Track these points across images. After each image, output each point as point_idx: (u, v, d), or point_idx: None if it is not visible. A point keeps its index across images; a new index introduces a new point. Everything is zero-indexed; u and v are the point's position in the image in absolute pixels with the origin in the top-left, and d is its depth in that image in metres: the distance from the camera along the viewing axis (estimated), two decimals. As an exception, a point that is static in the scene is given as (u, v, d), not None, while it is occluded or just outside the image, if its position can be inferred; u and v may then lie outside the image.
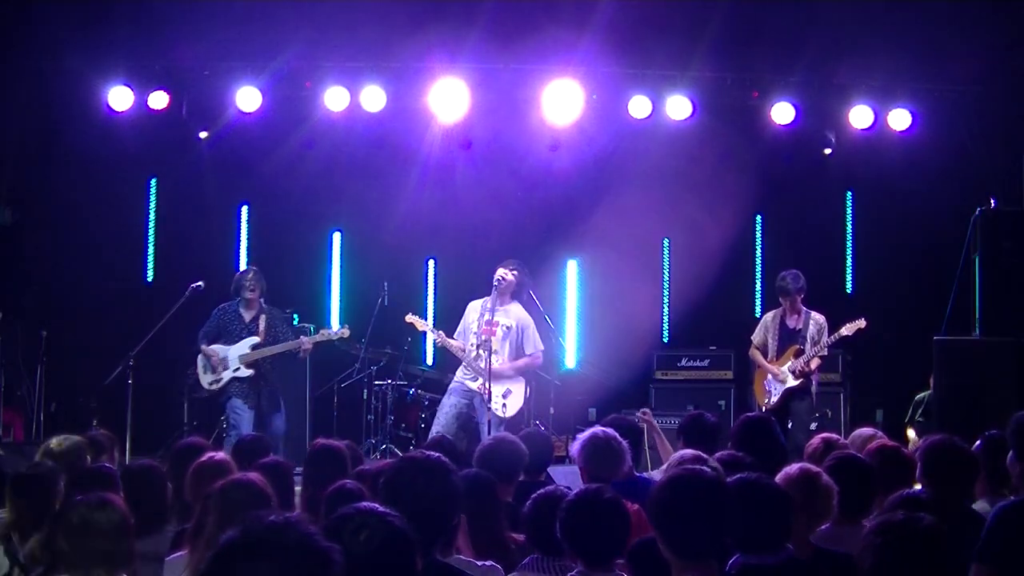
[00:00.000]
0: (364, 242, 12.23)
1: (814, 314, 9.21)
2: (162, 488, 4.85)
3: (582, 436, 5.30)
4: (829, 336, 9.09)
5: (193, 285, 9.55)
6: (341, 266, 12.47)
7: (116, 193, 11.57)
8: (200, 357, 9.26)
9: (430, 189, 11.69)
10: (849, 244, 12.29)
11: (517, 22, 10.45)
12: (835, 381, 10.63)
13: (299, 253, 12.12)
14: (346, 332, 9.48)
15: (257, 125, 11.16)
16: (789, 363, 9.14)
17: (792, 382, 9.11)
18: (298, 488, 5.41)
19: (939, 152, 11.00)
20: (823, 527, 4.25)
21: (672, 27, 10.56)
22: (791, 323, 9.27)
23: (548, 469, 6.23)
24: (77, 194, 11.25)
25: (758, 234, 12.42)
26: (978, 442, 5.14)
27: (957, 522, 4.10)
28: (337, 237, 12.49)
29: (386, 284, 11.01)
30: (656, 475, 5.43)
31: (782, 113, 10.95)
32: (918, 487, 4.74)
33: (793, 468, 4.23)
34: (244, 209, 12.35)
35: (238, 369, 9.09)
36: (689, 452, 4.85)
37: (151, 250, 12.11)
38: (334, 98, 10.83)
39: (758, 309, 12.21)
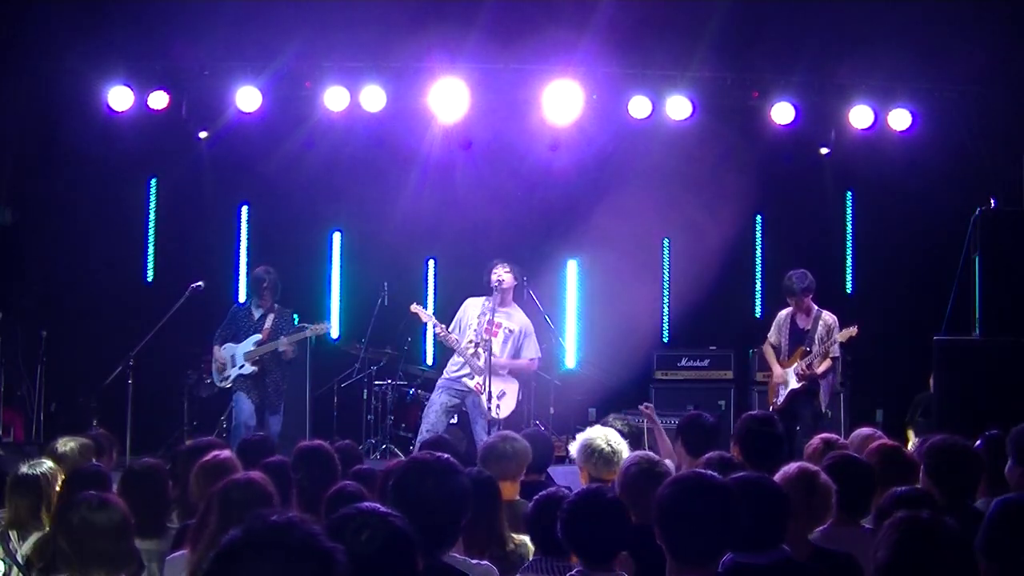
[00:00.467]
0: (364, 242, 12.22)
1: (824, 314, 9.14)
2: (164, 488, 4.85)
3: (582, 436, 5.31)
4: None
5: (193, 285, 9.56)
6: (341, 266, 12.47)
7: (116, 193, 11.58)
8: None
9: (430, 189, 11.69)
10: (849, 244, 12.30)
11: (517, 22, 10.45)
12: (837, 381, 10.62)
13: (299, 253, 12.11)
14: (324, 327, 9.48)
15: (257, 125, 11.16)
16: (794, 365, 9.11)
17: (795, 384, 9.07)
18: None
19: (939, 152, 11.00)
20: (822, 527, 4.25)
21: (672, 27, 10.56)
22: (800, 323, 9.21)
23: (548, 469, 6.24)
24: (77, 194, 11.26)
25: (758, 234, 12.42)
26: (978, 442, 5.14)
27: (962, 521, 4.09)
28: (337, 237, 12.49)
29: (386, 284, 11.01)
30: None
31: (782, 113, 10.95)
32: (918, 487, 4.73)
33: (792, 468, 4.23)
34: (244, 209, 12.35)
35: (243, 366, 9.22)
36: (640, 453, 4.85)
37: (151, 250, 12.11)
38: (334, 98, 10.83)
39: (758, 309, 12.23)
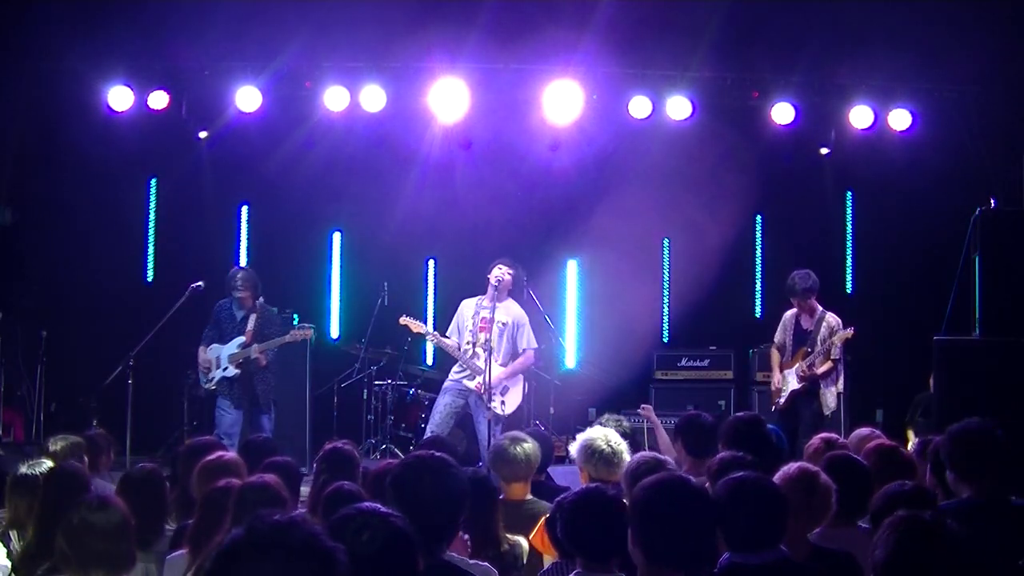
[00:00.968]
0: (364, 242, 12.23)
1: (828, 315, 9.13)
2: (161, 493, 4.85)
3: (582, 436, 5.31)
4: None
5: (193, 285, 9.55)
6: (341, 266, 12.47)
7: (116, 193, 11.58)
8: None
9: (430, 189, 11.69)
10: (849, 244, 12.30)
11: (517, 22, 10.45)
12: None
13: (299, 253, 12.12)
14: (306, 333, 9.26)
15: (257, 125, 11.17)
16: (796, 365, 9.12)
17: (795, 385, 9.07)
18: (304, 488, 5.42)
19: (939, 152, 11.00)
20: (819, 527, 4.25)
21: (672, 27, 10.56)
22: (804, 324, 9.21)
23: (548, 469, 6.24)
24: (77, 194, 11.25)
25: (758, 234, 12.42)
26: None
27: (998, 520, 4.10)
28: (337, 237, 12.49)
29: (386, 284, 11.02)
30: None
31: (782, 113, 10.95)
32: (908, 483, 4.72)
33: (792, 467, 4.23)
34: (244, 209, 12.35)
35: (226, 368, 9.05)
36: (646, 453, 4.81)
37: (151, 250, 12.12)
38: (334, 98, 10.83)
39: (758, 309, 12.23)
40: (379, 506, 2.97)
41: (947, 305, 7.84)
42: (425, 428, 9.76)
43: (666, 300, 12.52)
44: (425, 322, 9.80)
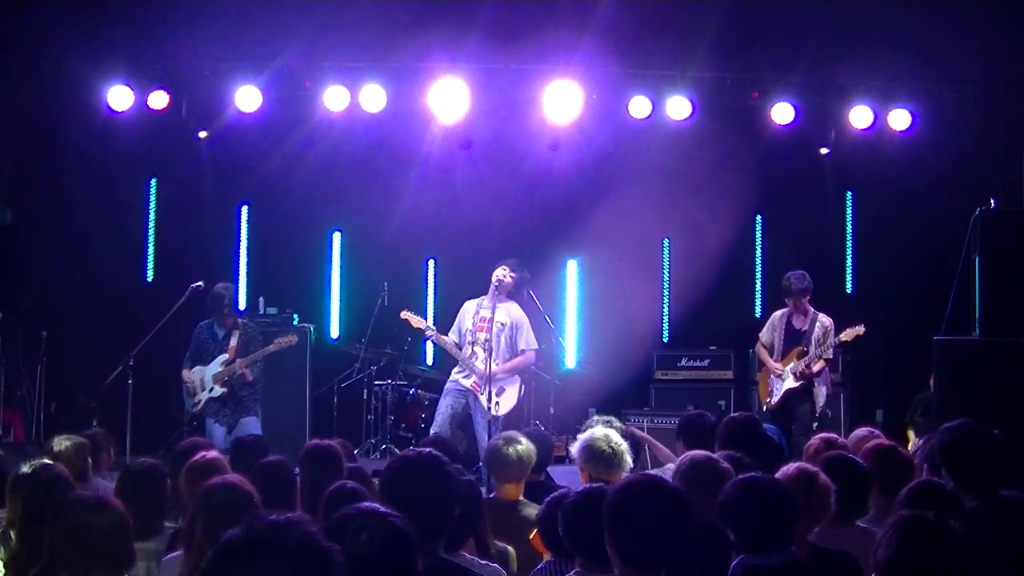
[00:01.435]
0: (364, 242, 12.22)
1: (821, 316, 9.18)
2: (163, 488, 4.85)
3: (582, 436, 5.30)
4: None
5: (193, 285, 9.54)
6: (341, 266, 12.47)
7: (116, 193, 11.57)
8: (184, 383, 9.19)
9: (430, 189, 11.69)
10: (849, 244, 12.29)
11: (517, 22, 10.45)
12: (835, 381, 10.59)
13: (299, 253, 12.12)
14: (293, 340, 9.16)
15: (257, 125, 11.17)
16: (792, 364, 9.13)
17: (792, 383, 9.10)
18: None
19: (939, 152, 11.00)
20: (817, 528, 4.25)
21: (672, 27, 10.56)
22: (797, 324, 9.26)
23: (548, 469, 6.24)
24: (77, 194, 11.26)
25: (758, 234, 12.42)
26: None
27: (988, 512, 4.09)
28: (337, 237, 12.49)
29: (386, 284, 11.02)
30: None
31: (782, 113, 10.95)
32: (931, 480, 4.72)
33: (791, 468, 4.23)
34: (244, 209, 12.35)
35: (212, 389, 8.99)
36: (700, 453, 4.69)
37: (151, 250, 12.11)
38: (334, 98, 10.83)
39: (758, 309, 12.22)
40: (378, 506, 2.97)
41: (947, 305, 7.84)
42: (425, 428, 9.78)
43: (666, 300, 12.51)
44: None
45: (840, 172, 11.84)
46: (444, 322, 9.61)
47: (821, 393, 9.20)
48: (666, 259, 12.55)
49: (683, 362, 11.60)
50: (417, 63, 10.82)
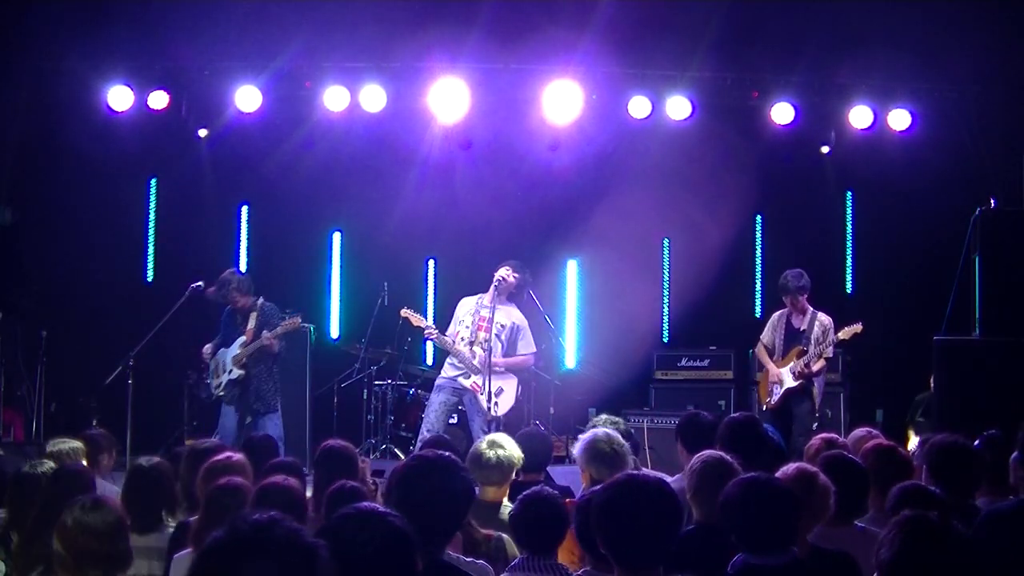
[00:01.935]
0: (364, 242, 12.22)
1: (820, 315, 9.18)
2: (169, 486, 4.86)
3: (584, 437, 5.28)
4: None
5: (193, 285, 9.54)
6: (341, 266, 12.47)
7: (116, 193, 11.58)
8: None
9: (430, 189, 11.69)
10: (849, 244, 12.29)
11: (517, 22, 10.45)
12: (835, 381, 10.62)
13: (299, 253, 12.12)
14: (297, 321, 9.18)
15: (257, 125, 11.17)
16: (791, 364, 9.13)
17: (791, 383, 9.09)
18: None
19: (939, 152, 11.00)
20: (816, 528, 4.25)
21: (672, 27, 10.56)
22: (796, 323, 9.25)
23: (547, 469, 6.23)
24: (77, 194, 11.25)
25: (758, 234, 12.42)
26: (977, 442, 5.14)
27: (963, 519, 4.10)
28: (337, 237, 12.50)
29: (386, 284, 11.01)
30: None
31: (782, 113, 10.95)
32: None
33: (791, 468, 4.23)
34: (244, 209, 12.36)
35: (231, 371, 9.06)
36: (715, 453, 4.65)
37: (151, 250, 12.12)
38: (334, 98, 10.83)
39: (758, 309, 12.23)
40: (378, 506, 2.97)
41: (947, 305, 7.85)
42: (425, 428, 9.76)
43: (666, 300, 12.51)
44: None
45: (840, 172, 11.84)
46: (444, 322, 9.61)
47: (819, 392, 9.20)
48: (666, 259, 12.55)
49: (683, 362, 11.59)
50: (417, 63, 10.82)
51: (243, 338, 9.07)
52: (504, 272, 9.09)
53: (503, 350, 9.10)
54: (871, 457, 4.86)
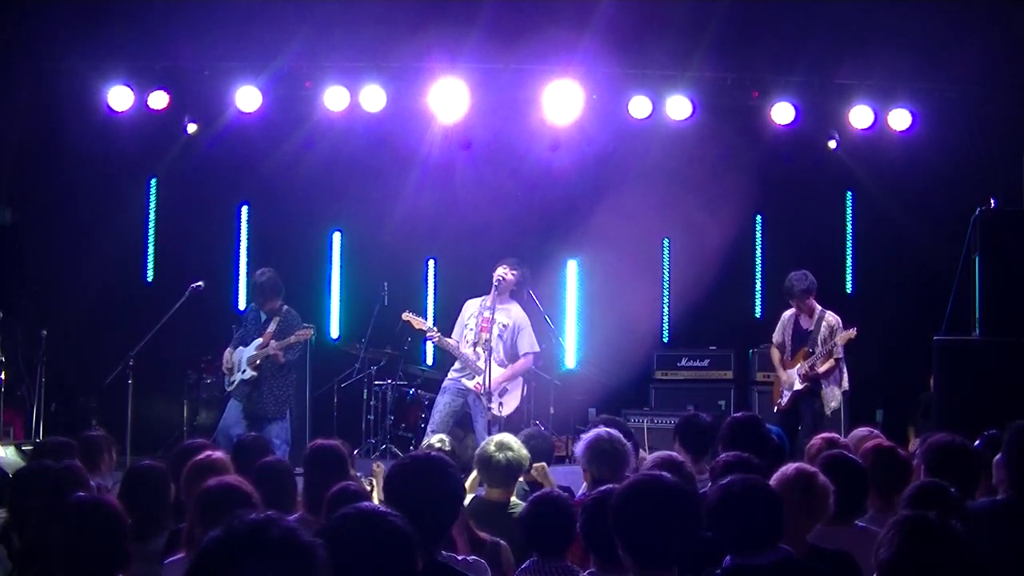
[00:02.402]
0: (364, 242, 12.22)
1: (828, 315, 9.15)
2: (164, 489, 4.85)
3: (586, 437, 5.28)
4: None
5: (193, 285, 9.55)
6: (341, 266, 12.47)
7: (116, 193, 11.58)
8: None
9: (430, 189, 11.69)
10: (849, 244, 12.29)
11: (517, 22, 10.45)
12: (835, 381, 10.60)
13: (299, 253, 12.11)
14: (309, 331, 9.15)
15: (257, 125, 11.16)
16: (798, 365, 9.13)
17: (798, 385, 9.09)
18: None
19: (939, 152, 11.00)
20: (816, 527, 4.25)
21: (672, 27, 10.55)
22: (804, 324, 9.24)
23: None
24: (77, 194, 11.26)
25: (758, 234, 12.42)
26: (977, 442, 5.14)
27: (962, 519, 4.10)
28: (337, 237, 12.49)
29: (386, 284, 11.02)
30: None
31: (782, 113, 10.95)
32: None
33: (790, 468, 4.23)
34: (244, 209, 12.35)
35: (244, 371, 9.10)
36: (664, 453, 4.82)
37: (151, 250, 12.11)
38: (334, 98, 10.83)
39: (758, 309, 12.24)
40: (378, 506, 2.97)
41: (947, 305, 7.85)
42: (425, 428, 9.77)
43: (666, 300, 12.51)
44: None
45: (840, 172, 11.84)
46: (444, 322, 9.61)
47: (834, 395, 9.12)
48: (666, 259, 12.55)
49: (683, 362, 11.60)
50: (417, 63, 10.82)
51: (260, 340, 9.12)
52: (502, 271, 9.09)
53: (504, 350, 9.10)
54: (871, 457, 4.85)
